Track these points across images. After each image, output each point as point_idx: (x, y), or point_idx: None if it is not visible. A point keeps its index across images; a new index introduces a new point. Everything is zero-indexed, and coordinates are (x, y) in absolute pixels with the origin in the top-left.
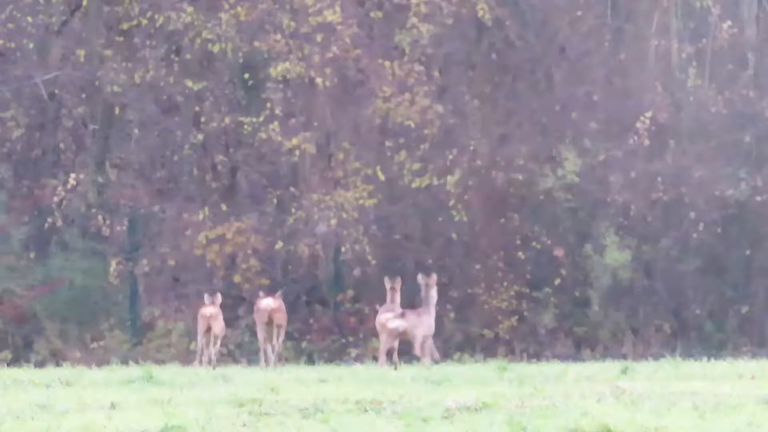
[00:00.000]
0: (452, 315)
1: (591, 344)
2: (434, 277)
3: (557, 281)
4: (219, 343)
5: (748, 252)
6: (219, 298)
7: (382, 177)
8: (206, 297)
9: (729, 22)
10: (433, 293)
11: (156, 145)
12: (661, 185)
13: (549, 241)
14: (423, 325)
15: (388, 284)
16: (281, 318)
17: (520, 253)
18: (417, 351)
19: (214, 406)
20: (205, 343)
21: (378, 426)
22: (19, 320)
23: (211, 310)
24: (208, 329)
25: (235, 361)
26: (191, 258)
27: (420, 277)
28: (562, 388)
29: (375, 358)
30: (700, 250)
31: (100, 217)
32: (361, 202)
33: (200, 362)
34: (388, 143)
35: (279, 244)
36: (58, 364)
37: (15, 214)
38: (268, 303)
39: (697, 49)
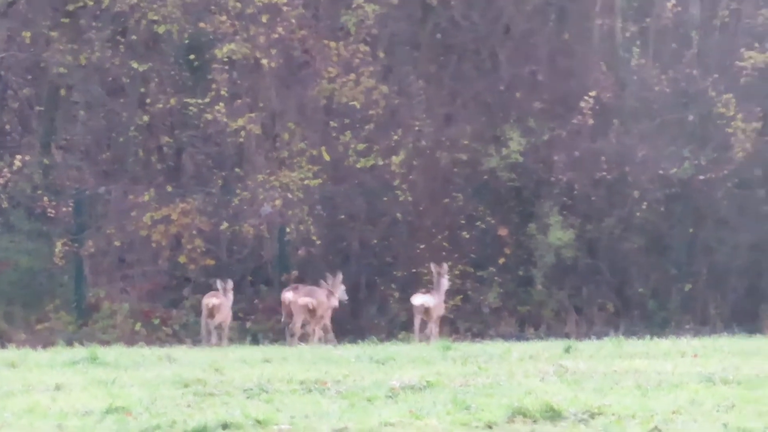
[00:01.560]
0: (397, 294)
1: (535, 323)
2: (445, 266)
3: (501, 260)
4: (226, 328)
5: (691, 230)
6: (230, 284)
7: (327, 157)
8: (218, 283)
9: (673, 1)
10: (444, 281)
11: (101, 127)
12: (604, 164)
13: (493, 221)
14: (441, 306)
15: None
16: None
17: (464, 233)
18: (432, 329)
19: (158, 387)
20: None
21: (322, 406)
22: None
23: (214, 300)
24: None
25: (180, 341)
26: (137, 239)
27: (432, 266)
28: (506, 366)
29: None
30: (644, 229)
31: (45, 199)
32: (306, 182)
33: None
34: (333, 124)
35: (224, 225)
36: (3, 346)
37: None
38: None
39: (641, 28)
